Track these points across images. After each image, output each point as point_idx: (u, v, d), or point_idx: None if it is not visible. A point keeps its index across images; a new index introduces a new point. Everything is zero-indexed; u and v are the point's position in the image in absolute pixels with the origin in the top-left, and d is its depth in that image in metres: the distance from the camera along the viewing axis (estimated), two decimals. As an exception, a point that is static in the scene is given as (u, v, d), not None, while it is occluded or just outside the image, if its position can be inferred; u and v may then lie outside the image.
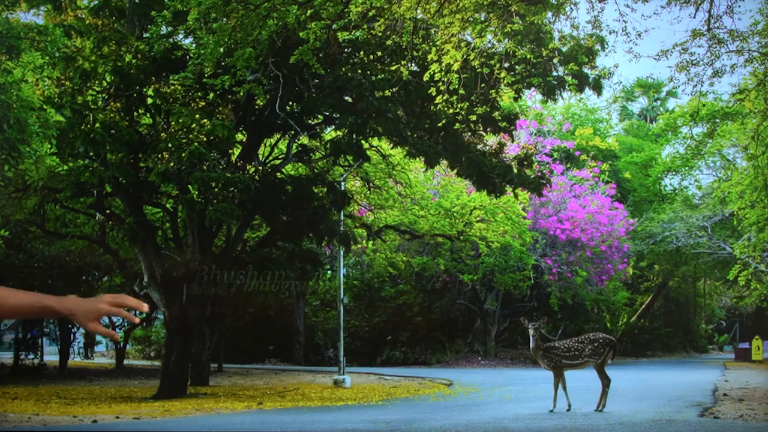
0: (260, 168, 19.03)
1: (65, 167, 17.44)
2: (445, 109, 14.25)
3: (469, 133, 17.75)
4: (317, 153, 19.86)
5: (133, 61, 16.06)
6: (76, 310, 2.11)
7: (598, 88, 16.13)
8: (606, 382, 13.63)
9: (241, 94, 16.47)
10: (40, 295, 2.14)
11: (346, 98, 17.12)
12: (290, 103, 17.89)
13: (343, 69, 16.43)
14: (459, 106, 13.51)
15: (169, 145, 15.96)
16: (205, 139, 15.81)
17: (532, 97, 29.00)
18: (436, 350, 33.14)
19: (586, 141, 35.94)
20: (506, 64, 14.09)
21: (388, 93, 16.17)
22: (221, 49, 13.10)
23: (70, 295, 2.16)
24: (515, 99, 18.91)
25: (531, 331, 13.77)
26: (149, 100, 17.75)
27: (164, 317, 20.00)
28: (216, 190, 16.26)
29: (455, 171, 18.41)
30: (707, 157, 31.04)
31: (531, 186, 18.07)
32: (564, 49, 14.74)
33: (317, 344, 34.00)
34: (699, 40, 11.89)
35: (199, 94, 17.02)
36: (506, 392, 17.94)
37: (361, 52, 16.68)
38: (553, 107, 35.18)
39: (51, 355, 30.56)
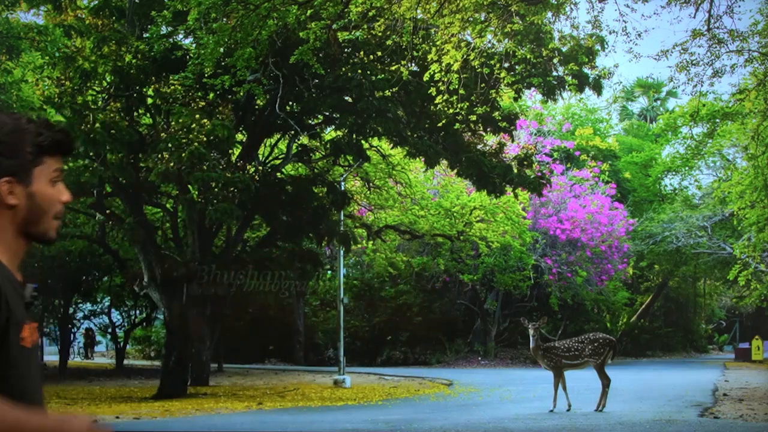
0: (260, 168, 19.04)
1: (65, 167, 17.41)
2: (445, 109, 14.25)
3: (469, 133, 17.75)
4: (317, 153, 19.86)
5: (133, 61, 16.06)
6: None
7: (598, 88, 16.14)
8: (606, 382, 13.63)
9: (241, 94, 16.48)
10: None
11: (346, 98, 17.11)
12: (290, 103, 17.89)
13: (343, 69, 16.43)
14: (459, 106, 13.51)
15: (169, 145, 15.96)
16: (205, 139, 15.80)
17: (532, 97, 28.96)
18: (436, 350, 33.10)
19: (586, 141, 35.89)
20: (506, 64, 14.10)
21: (388, 93, 16.17)
22: (221, 49, 13.09)
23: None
24: (515, 99, 18.91)
25: (531, 331, 13.78)
26: (149, 100, 17.75)
27: (164, 317, 19.99)
28: (216, 190, 16.26)
29: (455, 171, 18.40)
30: (707, 157, 30.99)
31: (531, 186, 18.07)
32: (564, 49, 14.74)
33: (317, 344, 33.98)
34: (699, 40, 11.90)
35: (199, 94, 17.02)
36: (506, 392, 17.93)
37: (361, 52, 16.68)
38: (553, 107, 35.12)
39: (51, 355, 30.54)
